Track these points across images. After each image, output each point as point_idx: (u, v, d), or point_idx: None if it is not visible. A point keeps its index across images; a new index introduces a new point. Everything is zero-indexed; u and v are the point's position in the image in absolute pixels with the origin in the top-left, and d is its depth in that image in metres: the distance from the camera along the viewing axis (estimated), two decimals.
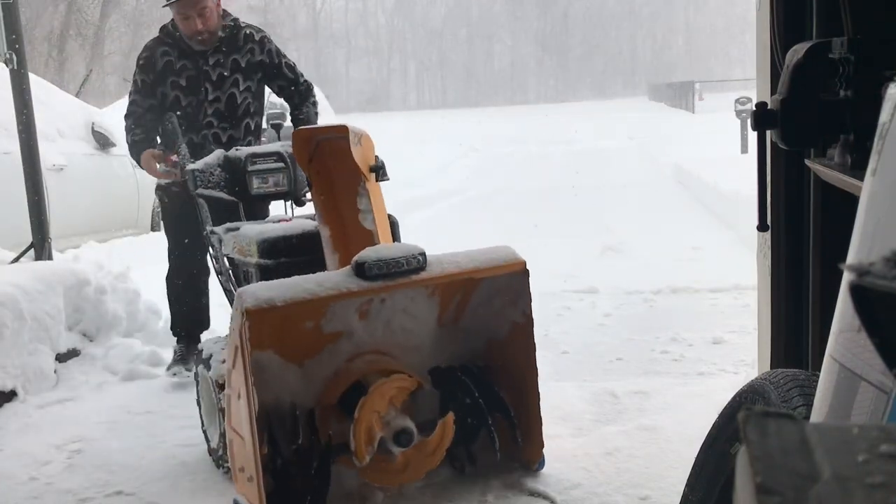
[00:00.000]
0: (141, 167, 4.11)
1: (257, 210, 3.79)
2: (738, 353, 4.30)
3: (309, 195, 3.24)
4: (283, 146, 3.51)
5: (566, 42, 73.74)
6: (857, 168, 1.52)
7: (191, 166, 3.48)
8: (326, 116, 14.99)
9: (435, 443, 2.80)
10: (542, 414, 2.91)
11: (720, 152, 12.92)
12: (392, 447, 2.65)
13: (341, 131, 2.97)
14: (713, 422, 1.81)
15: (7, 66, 4.90)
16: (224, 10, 4.17)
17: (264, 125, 4.31)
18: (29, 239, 5.00)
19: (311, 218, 3.29)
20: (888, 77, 1.24)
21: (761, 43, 2.58)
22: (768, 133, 1.93)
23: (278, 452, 2.61)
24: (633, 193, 11.62)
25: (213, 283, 4.00)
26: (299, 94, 4.19)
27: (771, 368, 2.42)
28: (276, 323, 2.51)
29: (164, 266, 4.32)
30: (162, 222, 4.31)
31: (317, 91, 4.66)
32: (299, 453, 2.62)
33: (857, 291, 0.55)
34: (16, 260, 4.99)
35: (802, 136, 1.79)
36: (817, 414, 1.16)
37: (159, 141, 4.18)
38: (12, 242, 5.35)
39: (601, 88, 68.39)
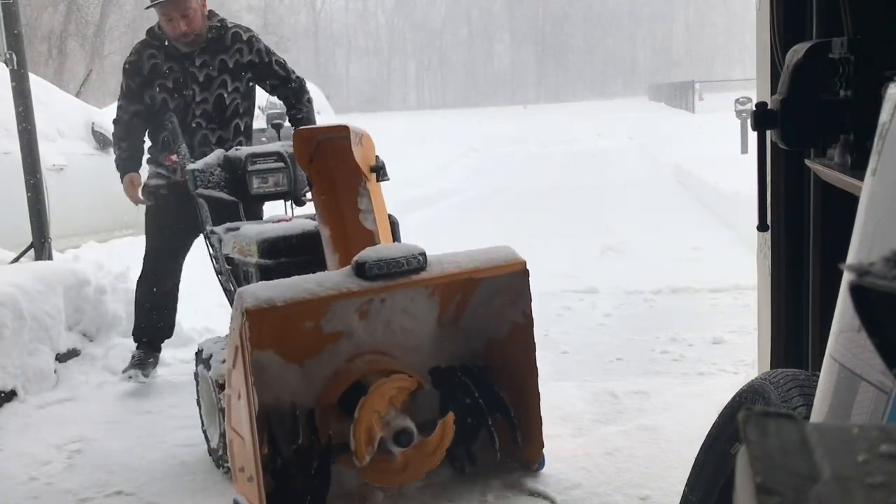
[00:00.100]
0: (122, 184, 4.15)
1: (253, 210, 3.80)
2: (738, 353, 4.30)
3: (309, 195, 3.24)
4: (283, 146, 3.51)
5: (566, 42, 73.74)
6: (857, 168, 1.52)
7: (191, 166, 3.48)
8: (326, 116, 15.01)
9: (435, 443, 2.80)
10: (542, 414, 2.91)
11: (720, 152, 12.92)
12: (392, 447, 2.65)
13: (342, 131, 2.96)
14: (713, 422, 1.81)
15: (7, 66, 4.90)
16: (210, 11, 4.12)
17: (264, 125, 4.31)
18: (29, 239, 5.00)
19: (311, 218, 3.29)
20: (888, 77, 1.24)
21: (761, 43, 2.58)
22: (768, 133, 1.93)
23: (278, 452, 2.61)
24: (633, 193, 11.62)
25: (211, 285, 4.00)
26: (293, 91, 4.14)
27: (771, 368, 2.42)
28: (276, 323, 2.51)
29: None
30: (144, 224, 4.26)
31: (317, 91, 4.66)
32: (299, 453, 2.62)
33: (857, 291, 0.55)
34: (16, 260, 4.99)
35: (802, 136, 1.79)
36: (817, 414, 1.16)
37: (147, 151, 4.16)
38: (12, 242, 5.35)
39: (601, 88, 68.42)
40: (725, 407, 1.79)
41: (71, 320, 4.58)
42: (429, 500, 2.82)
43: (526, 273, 2.82)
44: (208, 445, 3.28)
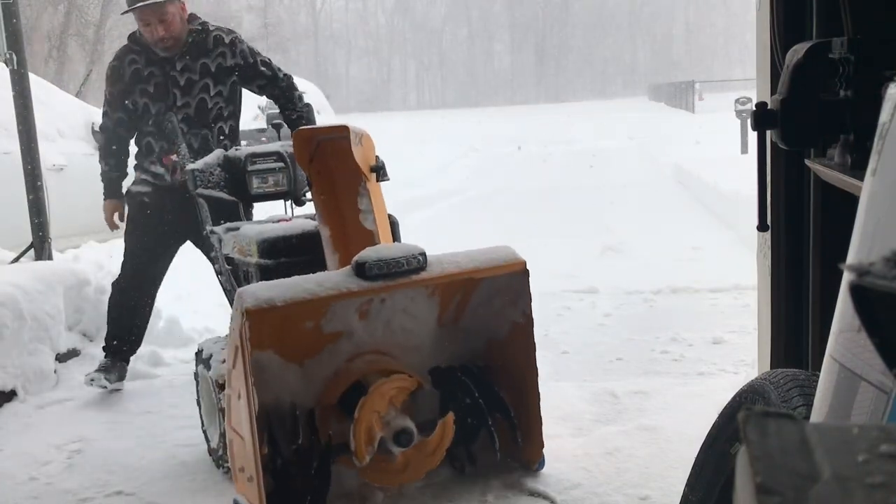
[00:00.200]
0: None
1: (245, 210, 3.78)
2: (738, 353, 4.30)
3: (309, 195, 3.24)
4: (283, 146, 3.51)
5: (566, 42, 73.75)
6: (857, 168, 1.52)
7: (191, 166, 3.48)
8: (326, 116, 15.02)
9: (435, 443, 2.80)
10: (542, 414, 2.91)
11: (720, 152, 12.93)
12: (392, 447, 2.65)
13: (342, 131, 2.96)
14: (713, 422, 1.81)
15: (7, 66, 4.90)
16: (192, 14, 4.06)
17: (264, 125, 4.29)
18: (29, 239, 5.00)
19: (311, 218, 3.29)
20: (888, 77, 1.24)
21: (761, 43, 2.58)
22: (768, 133, 1.93)
23: (278, 452, 2.62)
24: (633, 193, 11.62)
25: (211, 285, 4.00)
26: (283, 91, 4.08)
27: (771, 368, 2.42)
28: (276, 323, 2.51)
29: None
30: (124, 230, 4.17)
31: (317, 91, 4.64)
32: (299, 453, 2.62)
33: (857, 291, 0.55)
34: (16, 260, 4.99)
35: (802, 136, 1.79)
36: (817, 414, 1.16)
37: (134, 159, 4.12)
38: (12, 242, 5.35)
39: (601, 88, 68.43)
40: (725, 407, 1.79)
41: (71, 320, 4.58)
42: (429, 500, 2.82)
43: (526, 273, 2.82)
44: (208, 445, 3.28)
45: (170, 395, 4.07)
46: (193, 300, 5.17)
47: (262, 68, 4.04)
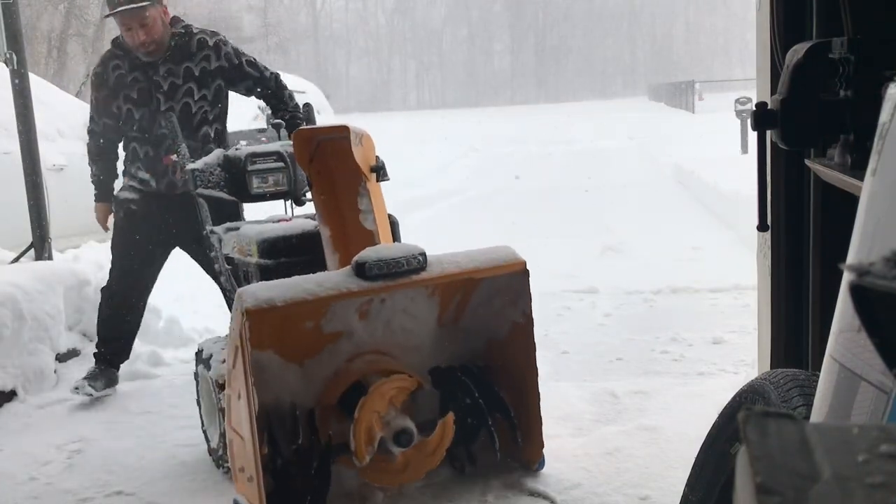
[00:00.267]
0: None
1: (234, 210, 3.77)
2: (738, 353, 4.30)
3: (309, 195, 3.24)
4: (283, 146, 3.51)
5: (566, 42, 73.75)
6: (857, 168, 1.52)
7: (190, 166, 3.48)
8: (326, 116, 15.00)
9: (435, 443, 2.80)
10: (542, 414, 2.91)
11: (720, 152, 12.93)
12: (392, 447, 2.65)
13: (342, 131, 2.96)
14: (713, 422, 1.81)
15: (7, 66, 4.90)
16: (174, 17, 4.02)
17: (264, 125, 4.28)
18: (29, 239, 5.00)
19: (312, 218, 3.29)
20: (888, 77, 1.24)
21: (761, 43, 2.58)
22: (768, 133, 1.93)
23: (278, 452, 2.62)
24: (633, 193, 11.62)
25: (211, 286, 3.99)
26: (272, 91, 4.03)
27: (771, 368, 2.42)
28: (276, 323, 2.51)
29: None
30: (111, 236, 4.14)
31: (317, 91, 4.61)
32: (299, 453, 2.62)
33: (857, 291, 0.55)
34: (16, 260, 4.99)
35: (802, 136, 1.79)
36: (817, 414, 1.16)
37: (121, 166, 4.10)
38: (12, 242, 5.35)
39: (601, 88, 68.44)
40: (725, 407, 1.79)
41: (71, 320, 4.58)
42: (429, 500, 2.82)
43: (526, 273, 2.82)
44: (208, 445, 3.28)
45: (170, 395, 4.07)
46: (193, 300, 5.17)
47: (249, 69, 3.98)
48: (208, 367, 3.15)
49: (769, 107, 1.82)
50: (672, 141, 17.92)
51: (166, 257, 4.16)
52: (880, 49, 1.56)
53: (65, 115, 7.19)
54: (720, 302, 5.47)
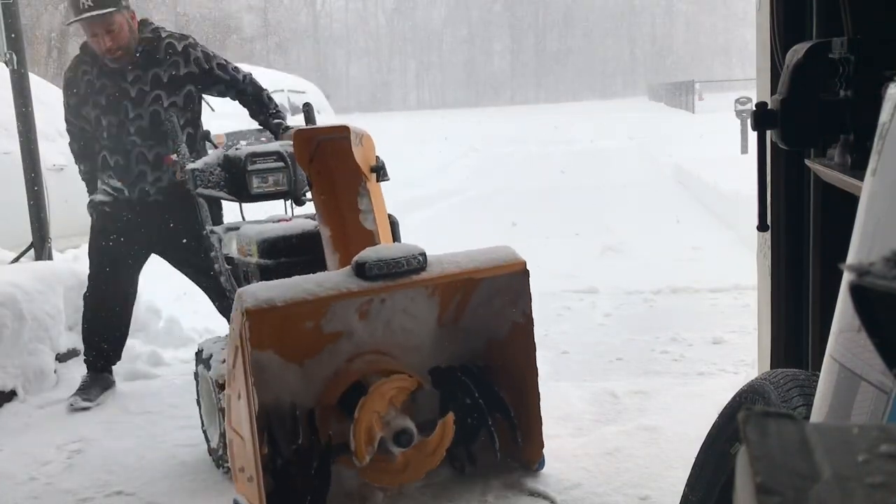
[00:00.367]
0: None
1: (214, 212, 3.77)
2: (738, 353, 4.30)
3: (309, 195, 3.24)
4: (283, 146, 3.51)
5: (566, 42, 73.77)
6: (857, 168, 1.52)
7: (190, 166, 3.48)
8: (326, 116, 15.00)
9: (435, 443, 2.80)
10: (542, 414, 2.91)
11: (720, 152, 12.93)
12: (392, 447, 2.65)
13: (343, 131, 2.97)
14: (713, 422, 1.81)
15: (7, 66, 4.90)
16: (143, 20, 3.93)
17: None
18: (29, 239, 5.00)
19: (312, 218, 3.29)
20: (888, 77, 1.24)
21: (761, 43, 2.58)
22: (768, 133, 1.93)
23: (278, 452, 2.62)
24: (633, 193, 11.63)
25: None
26: (247, 94, 3.95)
27: (771, 368, 2.42)
28: (276, 323, 2.51)
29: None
30: (88, 243, 4.10)
31: (317, 91, 4.58)
32: (299, 453, 2.62)
33: (857, 291, 0.55)
34: (16, 260, 4.99)
35: (802, 136, 1.79)
36: (817, 414, 1.16)
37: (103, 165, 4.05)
38: (12, 242, 5.35)
39: (601, 88, 68.45)
40: (725, 407, 1.79)
41: (71, 320, 4.57)
42: (429, 500, 2.82)
43: (526, 273, 2.82)
44: (208, 445, 3.28)
45: (170, 395, 4.07)
46: (193, 300, 5.17)
47: (219, 72, 3.91)
48: (208, 367, 3.15)
49: (769, 107, 1.82)
50: (672, 141, 17.92)
51: (143, 262, 4.13)
52: (880, 49, 1.56)
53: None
54: (720, 302, 5.47)
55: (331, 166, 2.94)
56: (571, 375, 4.12)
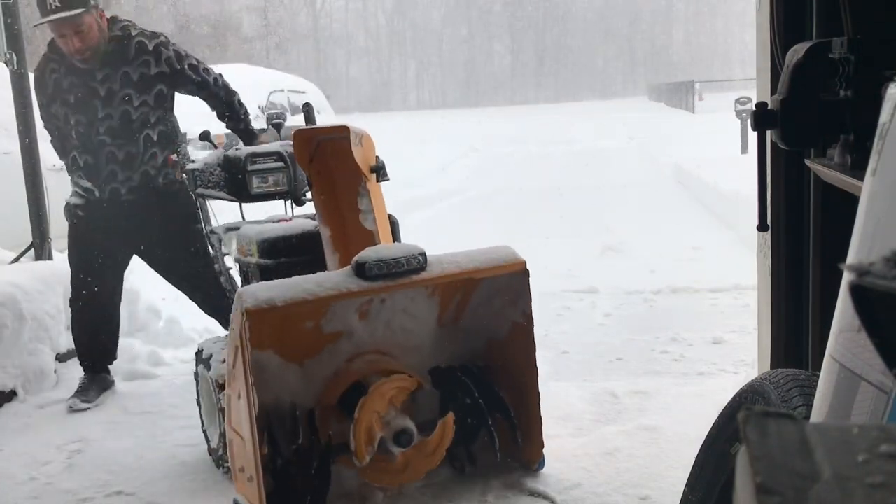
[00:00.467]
0: None
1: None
2: (738, 353, 4.30)
3: (309, 195, 3.24)
4: (283, 146, 3.51)
5: (566, 42, 73.76)
6: (857, 168, 1.52)
7: (190, 166, 3.48)
8: (326, 116, 14.99)
9: (435, 443, 2.80)
10: (542, 414, 2.91)
11: (720, 152, 12.92)
12: (392, 447, 2.65)
13: (342, 131, 2.96)
14: (713, 422, 1.81)
15: (7, 66, 4.90)
16: (112, 17, 3.86)
17: (264, 125, 4.25)
18: (29, 239, 5.00)
19: (312, 218, 3.29)
20: (888, 77, 1.24)
21: (761, 43, 2.58)
22: (768, 133, 1.93)
23: (278, 452, 2.62)
24: (633, 193, 11.63)
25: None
26: (218, 98, 3.91)
27: (771, 368, 2.42)
28: (276, 323, 2.51)
29: None
30: (67, 248, 4.08)
31: (317, 91, 4.56)
32: (299, 453, 2.62)
33: (857, 291, 0.55)
34: (16, 260, 4.99)
35: (802, 136, 1.79)
36: (817, 414, 1.16)
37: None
38: (12, 242, 5.35)
39: (601, 88, 68.45)
40: (725, 407, 1.79)
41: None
42: (429, 500, 2.82)
43: (526, 273, 2.82)
44: (208, 445, 3.28)
45: (170, 395, 4.07)
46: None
47: (190, 73, 3.86)
48: (208, 367, 3.15)
49: (769, 107, 1.82)
50: (672, 141, 17.92)
51: (127, 260, 4.11)
52: (880, 49, 1.56)
53: None
54: (720, 302, 5.47)
55: (331, 166, 2.94)
56: (571, 375, 4.12)
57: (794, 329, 2.46)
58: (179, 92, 3.94)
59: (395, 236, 3.15)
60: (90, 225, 3.96)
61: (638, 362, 4.34)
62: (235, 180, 3.44)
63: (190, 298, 4.17)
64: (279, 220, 3.37)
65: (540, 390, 2.90)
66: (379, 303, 2.74)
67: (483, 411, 2.86)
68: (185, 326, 4.95)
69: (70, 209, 4.02)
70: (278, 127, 3.83)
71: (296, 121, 4.99)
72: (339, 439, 2.67)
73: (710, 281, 5.84)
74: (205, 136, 3.95)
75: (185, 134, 3.98)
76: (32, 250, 5.01)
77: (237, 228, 3.38)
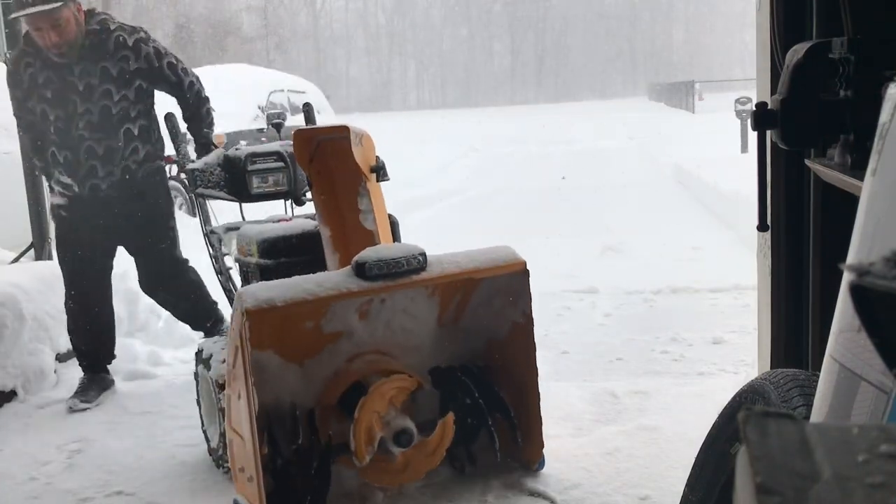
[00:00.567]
0: None
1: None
2: (738, 353, 4.30)
3: (309, 195, 3.24)
4: (283, 146, 3.51)
5: (566, 42, 73.77)
6: (857, 168, 1.52)
7: (190, 166, 3.48)
8: (326, 116, 14.99)
9: (435, 443, 2.80)
10: (542, 414, 2.91)
11: (720, 152, 12.92)
12: (392, 447, 2.65)
13: (342, 131, 2.96)
14: (713, 422, 1.81)
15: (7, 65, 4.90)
16: (89, 11, 3.79)
17: (263, 125, 4.25)
18: (29, 239, 5.00)
19: (312, 218, 3.29)
20: (888, 77, 1.24)
21: (761, 43, 2.58)
22: (768, 133, 1.94)
23: (278, 452, 2.62)
24: (633, 193, 11.62)
25: (211, 286, 3.99)
26: (187, 101, 3.90)
27: (771, 368, 2.42)
28: (276, 323, 2.51)
29: None
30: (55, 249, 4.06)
31: (317, 91, 4.56)
32: (299, 453, 2.62)
33: (857, 291, 0.55)
34: (16, 260, 5.00)
35: (802, 136, 1.79)
36: (817, 414, 1.16)
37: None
38: (12, 242, 5.36)
39: (601, 88, 68.44)
40: (725, 407, 1.79)
41: None
42: (429, 500, 2.82)
43: (526, 273, 2.82)
44: (208, 445, 3.28)
45: (170, 395, 4.07)
46: None
47: (168, 72, 3.83)
48: (208, 367, 3.15)
49: (769, 107, 1.82)
50: (672, 141, 17.91)
51: (112, 254, 4.10)
52: (880, 49, 1.56)
53: None
54: (720, 302, 5.47)
55: (331, 166, 2.94)
56: (571, 375, 4.12)
57: (794, 329, 2.46)
58: (157, 89, 3.91)
59: (395, 236, 3.15)
60: (72, 225, 3.94)
61: (638, 362, 4.34)
62: (235, 180, 3.44)
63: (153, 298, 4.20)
64: (279, 220, 3.37)
65: (540, 390, 2.90)
66: (379, 303, 2.74)
67: (483, 411, 2.86)
68: (184, 326, 4.94)
69: (53, 210, 4.00)
70: (278, 127, 3.83)
71: (296, 121, 5.00)
72: (339, 439, 2.67)
73: (710, 281, 5.84)
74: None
75: (185, 134, 3.97)
76: (32, 250, 5.01)
77: (237, 228, 3.38)
